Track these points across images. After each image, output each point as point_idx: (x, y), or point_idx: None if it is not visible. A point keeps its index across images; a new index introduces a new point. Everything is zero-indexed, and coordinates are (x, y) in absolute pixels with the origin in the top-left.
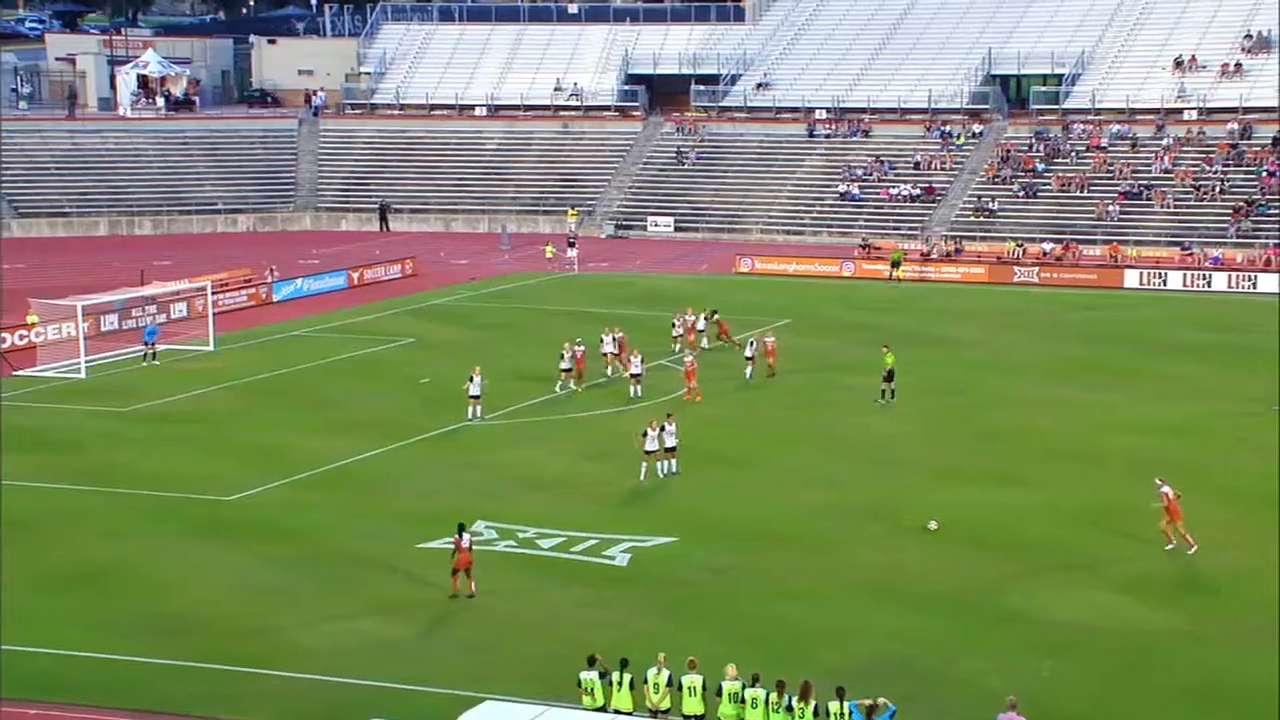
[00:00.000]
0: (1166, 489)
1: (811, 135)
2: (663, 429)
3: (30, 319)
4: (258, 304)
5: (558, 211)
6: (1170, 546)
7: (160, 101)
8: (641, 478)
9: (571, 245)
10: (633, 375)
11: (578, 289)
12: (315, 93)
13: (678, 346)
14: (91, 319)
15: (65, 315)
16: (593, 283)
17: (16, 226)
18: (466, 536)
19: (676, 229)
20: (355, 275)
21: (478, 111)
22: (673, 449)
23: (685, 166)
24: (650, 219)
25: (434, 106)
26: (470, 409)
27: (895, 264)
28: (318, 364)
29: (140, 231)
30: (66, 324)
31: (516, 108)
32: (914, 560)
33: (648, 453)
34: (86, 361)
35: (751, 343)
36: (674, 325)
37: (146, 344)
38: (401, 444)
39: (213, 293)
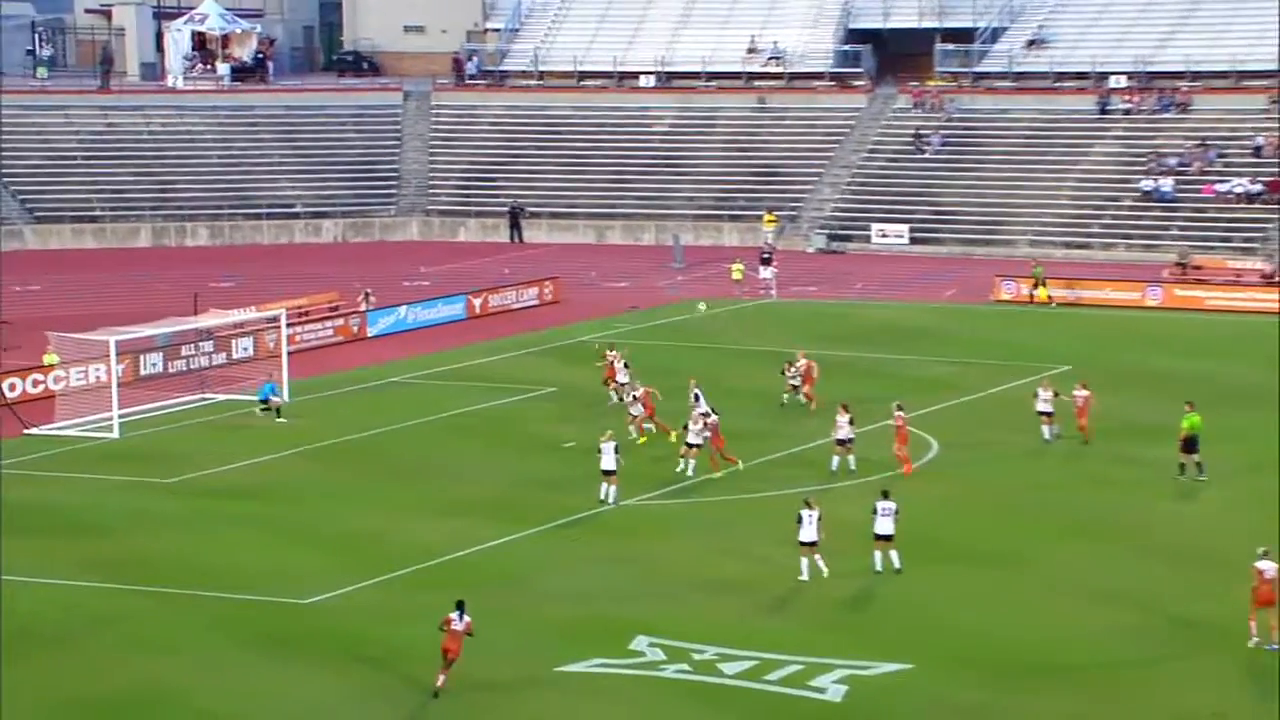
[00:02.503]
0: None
1: (1104, 111)
2: (810, 514)
3: (47, 359)
4: (347, 339)
5: (749, 217)
6: None
7: (222, 68)
8: (802, 574)
9: (766, 262)
10: (839, 441)
11: (774, 322)
12: (465, 58)
13: (786, 398)
14: (128, 360)
15: (93, 354)
16: (795, 313)
17: (31, 235)
18: (464, 618)
19: (913, 240)
20: (477, 302)
21: (643, 82)
22: (888, 536)
23: (926, 155)
24: (876, 227)
25: (584, 75)
26: (603, 488)
27: (1038, 282)
28: (424, 421)
29: (193, 242)
30: (95, 366)
31: (695, 76)
32: (1249, 702)
33: (803, 544)
34: (121, 417)
35: (1038, 393)
36: (785, 371)
37: (263, 402)
38: (532, 530)
39: (288, 325)
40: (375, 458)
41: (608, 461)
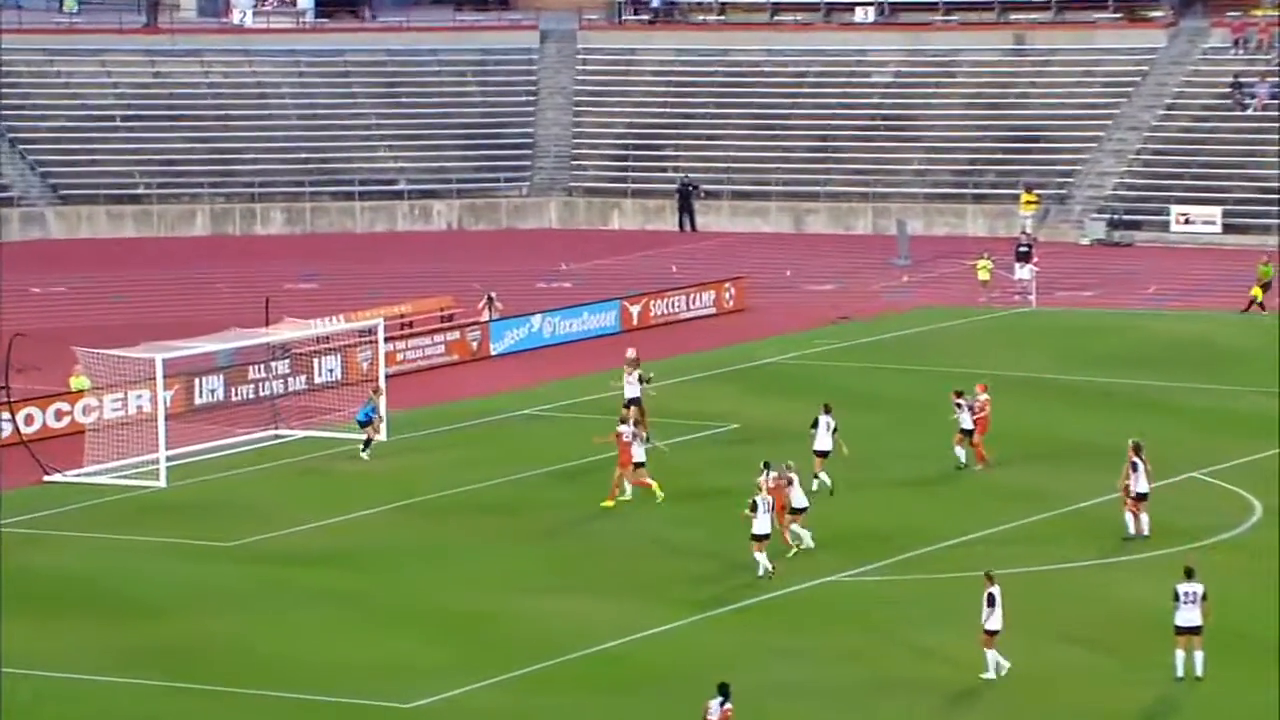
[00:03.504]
0: None
1: None
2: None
3: (75, 383)
4: (463, 359)
5: (1000, 196)
6: None
7: (303, 2)
8: (988, 672)
9: (1024, 258)
10: (1137, 496)
11: (1033, 338)
12: None
13: (960, 451)
14: (179, 384)
15: (134, 377)
16: (1060, 327)
17: (55, 219)
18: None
19: (1227, 228)
20: (634, 309)
21: (859, 16)
22: (1194, 629)
23: (1249, 113)
24: (1176, 210)
25: (779, 8)
26: (757, 560)
27: (1265, 286)
28: (559, 468)
29: (265, 229)
30: (136, 392)
31: (930, 8)
32: None
33: (988, 632)
34: (169, 459)
35: None
36: (957, 407)
37: (362, 424)
38: (704, 614)
39: (386, 340)
40: (495, 515)
41: (759, 524)
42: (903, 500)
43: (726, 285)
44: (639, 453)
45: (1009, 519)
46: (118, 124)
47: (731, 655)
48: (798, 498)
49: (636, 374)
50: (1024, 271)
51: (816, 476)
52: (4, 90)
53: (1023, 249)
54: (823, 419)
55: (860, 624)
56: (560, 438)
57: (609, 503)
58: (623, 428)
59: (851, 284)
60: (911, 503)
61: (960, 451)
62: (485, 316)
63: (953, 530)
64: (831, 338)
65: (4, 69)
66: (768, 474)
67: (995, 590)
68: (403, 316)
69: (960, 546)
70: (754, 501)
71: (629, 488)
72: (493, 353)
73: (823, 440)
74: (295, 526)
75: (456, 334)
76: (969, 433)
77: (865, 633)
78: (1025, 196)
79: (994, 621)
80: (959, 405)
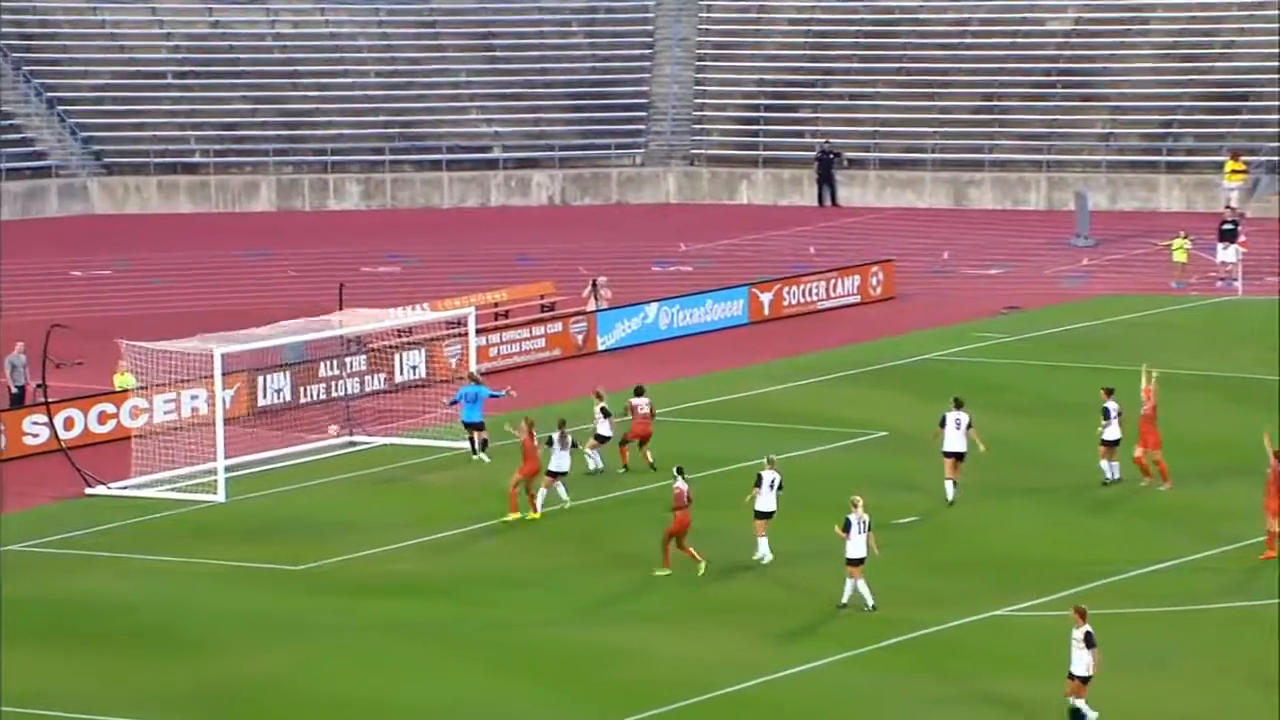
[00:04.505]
0: None
1: None
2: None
3: (120, 381)
4: (566, 354)
5: (1200, 164)
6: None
7: None
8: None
9: (1229, 236)
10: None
11: (1238, 332)
12: None
13: (1106, 465)
14: (240, 383)
15: (188, 374)
16: (1274, 318)
17: (99, 192)
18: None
19: None
20: (765, 297)
21: None
22: None
23: None
24: None
25: None
26: (850, 590)
27: None
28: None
29: (338, 203)
30: (190, 392)
31: None
32: None
33: (1078, 679)
34: (228, 470)
35: None
36: (1104, 414)
37: (470, 426)
38: (845, 652)
39: (479, 332)
40: (605, 535)
41: (853, 547)
42: (1077, 522)
43: (873, 269)
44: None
45: (1204, 545)
46: (170, 81)
47: (878, 701)
48: (853, 546)
49: (601, 406)
50: (1228, 253)
51: (952, 482)
52: (41, 43)
53: (1227, 227)
54: (951, 415)
55: (1024, 668)
56: (679, 445)
57: (513, 515)
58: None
59: (1021, 268)
60: (1087, 525)
61: (1106, 465)
62: (591, 306)
63: (1132, 557)
64: (996, 331)
65: (40, 19)
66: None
67: (1082, 632)
68: (496, 305)
69: (1143, 578)
70: (847, 520)
71: (541, 498)
72: (600, 347)
73: (953, 440)
74: (374, 548)
75: (558, 326)
76: (1114, 445)
77: (1029, 679)
78: (1230, 165)
79: (1082, 666)
80: (1107, 411)
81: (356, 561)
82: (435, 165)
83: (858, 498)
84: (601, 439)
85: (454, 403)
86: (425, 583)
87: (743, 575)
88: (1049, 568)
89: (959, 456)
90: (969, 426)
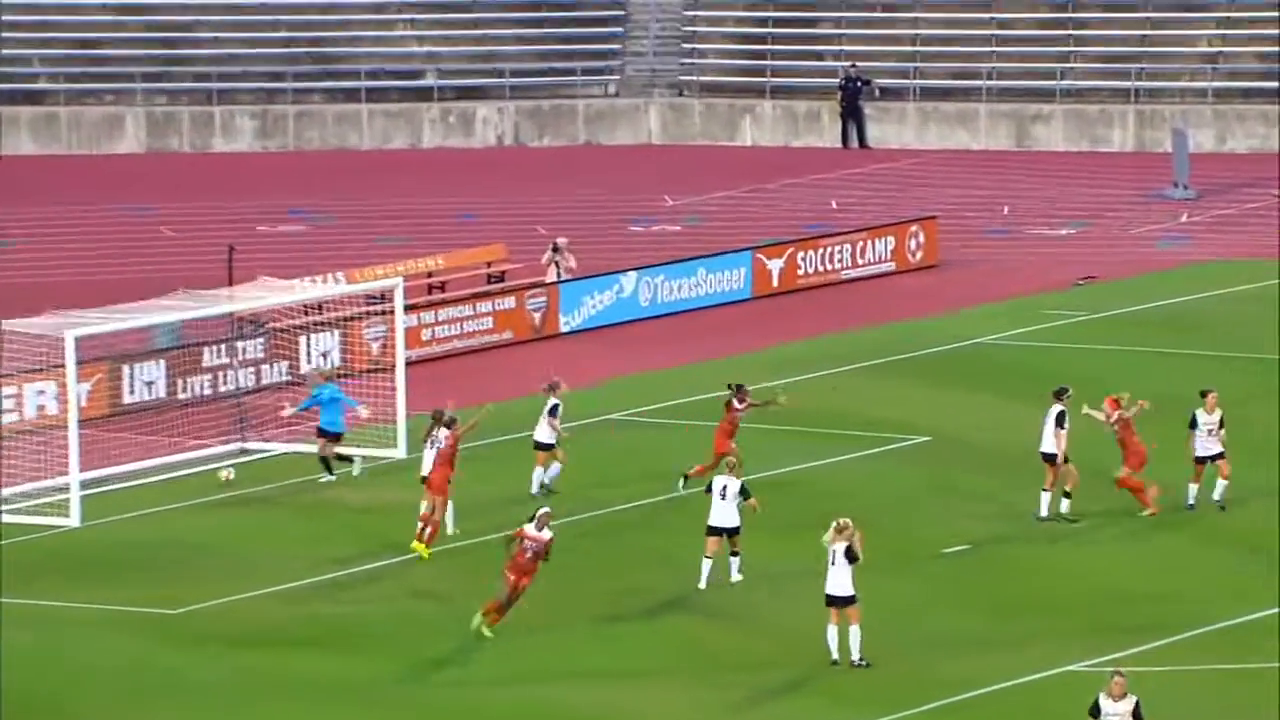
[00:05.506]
0: None
1: None
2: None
3: None
4: (520, 338)
5: None
6: None
7: None
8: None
9: None
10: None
11: None
12: None
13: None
14: (100, 374)
15: (32, 363)
16: None
17: None
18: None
19: None
20: (773, 265)
21: None
22: None
23: None
24: None
25: None
26: (835, 639)
27: None
28: (659, 500)
29: (227, 143)
30: (36, 386)
31: None
32: None
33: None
34: (84, 487)
35: None
36: (1191, 426)
37: (325, 434)
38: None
39: (409, 309)
40: (565, 568)
41: (840, 584)
42: (1176, 553)
43: (912, 229)
44: None
45: None
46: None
47: None
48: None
49: (553, 404)
50: None
51: (1048, 491)
52: None
53: None
54: (1053, 411)
55: None
56: (660, 454)
57: (422, 549)
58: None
59: (1101, 226)
60: (1188, 557)
61: (1194, 490)
62: (552, 275)
63: (1243, 598)
64: (1069, 307)
65: None
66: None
67: (1130, 705)
68: (431, 276)
69: (1245, 627)
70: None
71: (450, 523)
72: (563, 329)
73: (1050, 440)
74: (269, 586)
75: (510, 301)
76: (1207, 460)
77: None
78: None
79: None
80: (1195, 420)
81: (248, 604)
82: (352, 95)
83: (843, 520)
84: (542, 447)
85: (305, 408)
86: (333, 631)
87: (733, 618)
88: (1138, 610)
89: (1054, 460)
90: (1065, 421)
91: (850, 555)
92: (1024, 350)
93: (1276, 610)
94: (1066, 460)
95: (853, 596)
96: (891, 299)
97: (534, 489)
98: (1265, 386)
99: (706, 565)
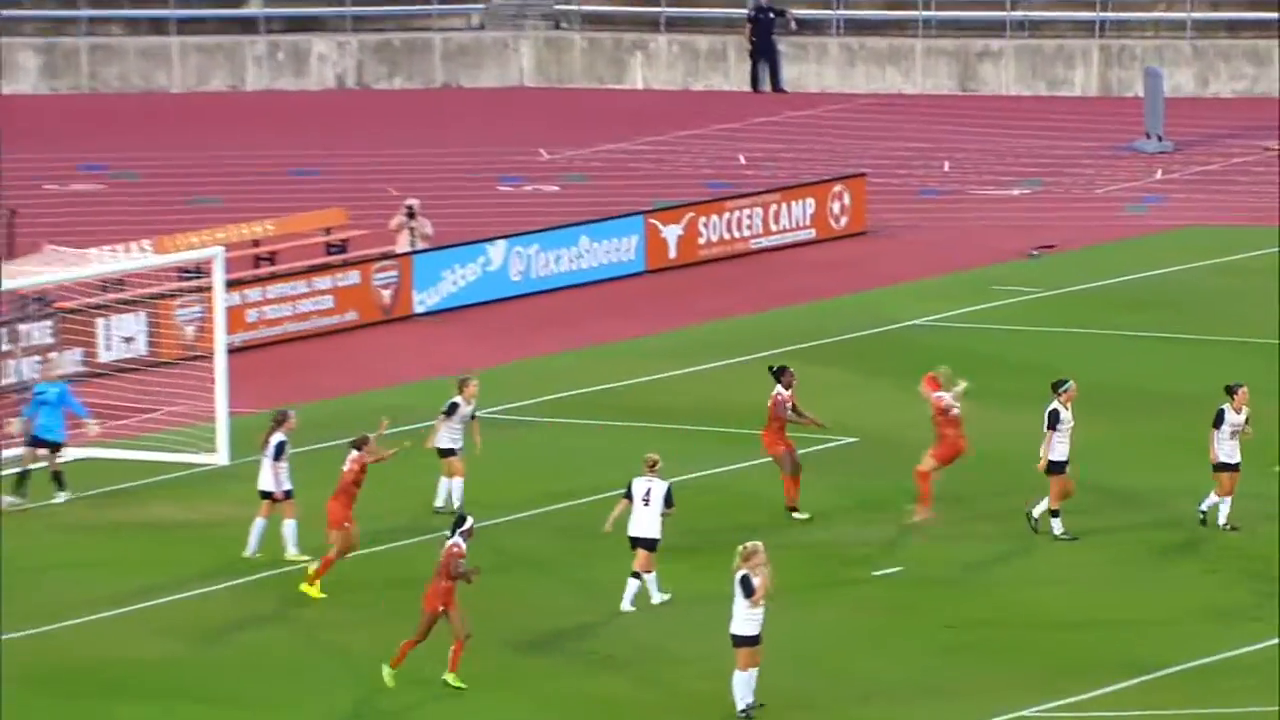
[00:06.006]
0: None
1: None
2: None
3: None
4: (366, 319)
5: None
6: None
7: None
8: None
9: None
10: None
11: None
12: None
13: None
14: None
15: None
16: None
17: None
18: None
19: None
20: (669, 232)
21: None
22: None
23: None
24: None
25: None
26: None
27: None
28: (525, 516)
29: (9, 83)
30: None
31: None
32: None
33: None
34: None
35: None
36: (1216, 424)
37: (41, 442)
38: None
39: (231, 286)
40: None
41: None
42: (1145, 577)
43: (836, 189)
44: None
45: None
46: None
47: None
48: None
49: (468, 410)
50: None
51: (1055, 515)
52: None
53: None
54: (1063, 414)
55: None
56: (541, 462)
57: (313, 589)
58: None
59: (1060, 185)
60: (1159, 581)
61: (1214, 501)
62: (404, 244)
63: (1229, 628)
64: (1022, 282)
65: None
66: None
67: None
68: (258, 245)
69: (1221, 666)
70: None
71: (290, 542)
72: (418, 309)
73: (1061, 447)
74: (70, 619)
75: (354, 276)
76: (1224, 469)
77: None
78: None
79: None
80: (1221, 416)
81: (44, 639)
82: (159, 27)
83: (754, 544)
84: (444, 453)
85: (30, 415)
86: (153, 674)
87: (624, 661)
88: (1103, 644)
89: (1062, 469)
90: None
91: (746, 588)
92: (968, 334)
93: (1255, 646)
94: (1054, 469)
95: (757, 636)
96: (811, 273)
97: (438, 502)
98: (1257, 376)
99: (633, 585)
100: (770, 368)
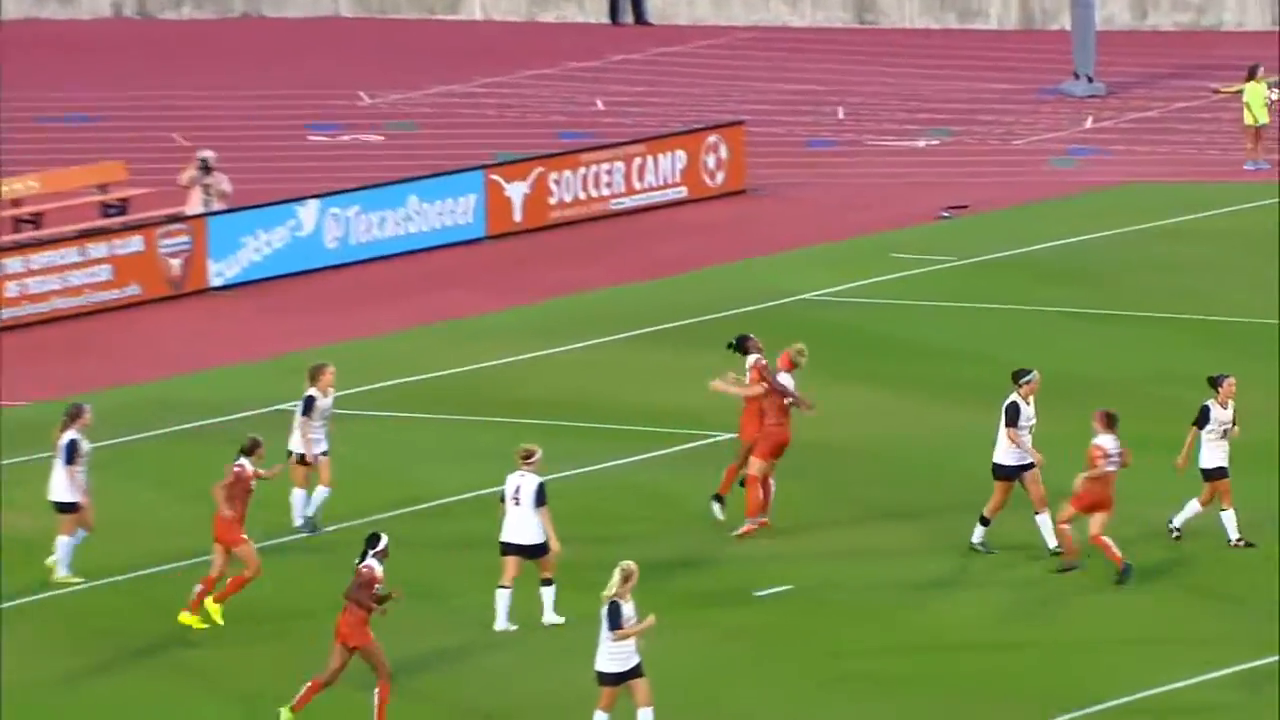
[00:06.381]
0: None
1: None
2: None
3: None
4: (151, 294)
5: None
6: None
7: None
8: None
9: None
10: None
11: None
12: None
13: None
14: None
15: None
16: None
17: None
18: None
19: None
20: (514, 190)
21: None
22: None
23: None
24: None
25: None
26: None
27: None
28: (347, 525)
29: None
30: None
31: None
32: None
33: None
34: None
35: None
36: (1201, 419)
37: None
38: None
39: None
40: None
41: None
42: (1082, 601)
43: (710, 140)
44: None
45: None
46: None
47: None
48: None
49: (328, 402)
50: None
51: (984, 523)
52: None
53: None
54: (1023, 408)
55: None
56: (372, 463)
57: (192, 619)
58: (245, 462)
59: (974, 135)
60: (1087, 603)
61: (1193, 513)
62: (197, 204)
63: (1171, 659)
64: (929, 249)
65: None
66: None
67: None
68: (19, 205)
69: (1180, 695)
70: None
71: (61, 562)
72: (213, 282)
73: (1006, 451)
74: None
75: (137, 242)
76: (1213, 475)
77: None
78: None
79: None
80: (1206, 414)
81: None
82: None
83: (630, 565)
84: (301, 461)
85: None
86: None
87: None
88: (1022, 674)
89: (1013, 476)
90: (1032, 425)
91: (613, 618)
92: (865, 310)
93: (1204, 677)
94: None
95: (636, 668)
96: (682, 237)
97: (296, 519)
98: (1211, 362)
99: (503, 597)
100: (729, 343)
